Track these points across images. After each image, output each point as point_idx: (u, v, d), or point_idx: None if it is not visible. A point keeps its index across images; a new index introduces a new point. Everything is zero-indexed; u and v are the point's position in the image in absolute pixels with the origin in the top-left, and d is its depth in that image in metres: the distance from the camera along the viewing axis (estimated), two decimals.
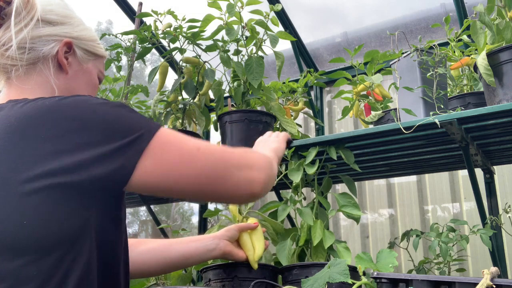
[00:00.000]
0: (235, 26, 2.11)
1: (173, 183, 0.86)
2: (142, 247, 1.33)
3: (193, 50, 2.27)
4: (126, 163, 0.81)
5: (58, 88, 0.96)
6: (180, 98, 2.38)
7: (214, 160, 0.90)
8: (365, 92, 2.15)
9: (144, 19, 2.51)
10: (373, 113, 1.93)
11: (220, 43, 2.16)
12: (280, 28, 2.31)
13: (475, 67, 1.66)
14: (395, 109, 1.77)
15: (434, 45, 1.74)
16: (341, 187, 3.11)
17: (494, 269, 1.14)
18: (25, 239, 0.76)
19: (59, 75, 0.97)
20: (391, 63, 1.89)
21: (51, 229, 0.77)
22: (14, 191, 0.76)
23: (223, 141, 2.11)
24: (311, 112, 2.84)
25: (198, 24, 2.18)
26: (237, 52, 2.14)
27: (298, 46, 3.03)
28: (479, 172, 1.92)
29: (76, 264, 0.78)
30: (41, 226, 0.77)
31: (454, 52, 1.97)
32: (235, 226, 1.52)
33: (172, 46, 2.26)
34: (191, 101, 2.33)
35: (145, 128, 0.84)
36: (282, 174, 1.78)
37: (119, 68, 2.44)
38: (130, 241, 1.14)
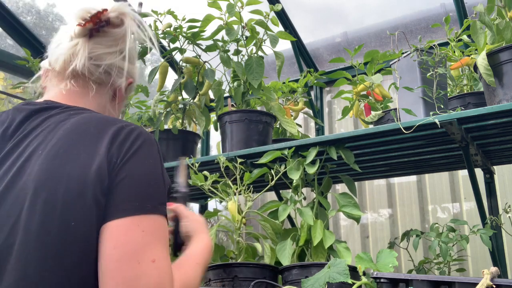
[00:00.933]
0: (235, 26, 2.11)
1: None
2: None
3: (193, 50, 2.27)
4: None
5: (107, 113, 1.02)
6: (180, 98, 2.38)
7: (152, 280, 0.76)
8: (365, 92, 2.15)
9: (144, 19, 2.50)
10: (373, 113, 1.93)
11: (220, 43, 2.16)
12: (280, 28, 2.31)
13: (475, 67, 1.66)
14: (395, 109, 1.78)
15: (434, 45, 1.74)
16: (341, 187, 3.11)
17: (494, 269, 1.14)
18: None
19: (112, 102, 1.04)
20: (391, 63, 1.89)
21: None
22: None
23: (223, 141, 2.11)
24: (311, 112, 2.84)
25: (198, 24, 2.18)
26: (237, 52, 2.14)
27: (298, 46, 3.04)
28: (479, 172, 1.93)
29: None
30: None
31: (454, 52, 1.97)
32: None
33: (172, 46, 2.26)
34: (191, 101, 2.33)
35: (156, 201, 0.82)
36: (281, 173, 1.78)
37: None
38: None
